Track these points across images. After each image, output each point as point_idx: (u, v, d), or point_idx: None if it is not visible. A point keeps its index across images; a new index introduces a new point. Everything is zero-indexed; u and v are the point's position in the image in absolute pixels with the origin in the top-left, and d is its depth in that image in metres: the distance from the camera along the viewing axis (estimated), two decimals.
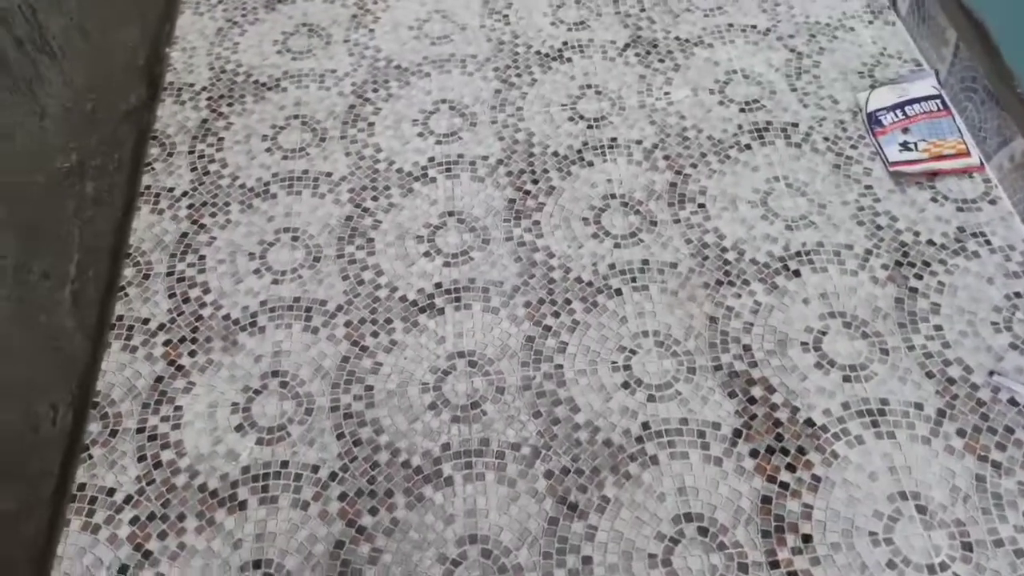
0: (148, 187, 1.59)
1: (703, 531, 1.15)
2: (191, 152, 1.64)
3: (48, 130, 1.27)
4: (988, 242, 1.40)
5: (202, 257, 1.48)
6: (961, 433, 1.21)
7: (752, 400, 1.26)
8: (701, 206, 1.50)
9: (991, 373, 1.26)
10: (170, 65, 1.80)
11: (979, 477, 1.17)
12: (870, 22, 1.74)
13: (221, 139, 1.66)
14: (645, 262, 1.43)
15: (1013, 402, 1.23)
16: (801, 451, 1.21)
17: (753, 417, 1.25)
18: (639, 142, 1.60)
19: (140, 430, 1.27)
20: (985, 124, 1.47)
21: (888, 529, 1.14)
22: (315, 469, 1.23)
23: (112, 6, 1.56)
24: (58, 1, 1.35)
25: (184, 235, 1.52)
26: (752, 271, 1.40)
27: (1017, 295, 1.34)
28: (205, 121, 1.69)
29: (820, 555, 1.12)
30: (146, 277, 1.46)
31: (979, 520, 1.13)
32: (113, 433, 1.27)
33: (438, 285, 1.42)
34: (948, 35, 1.55)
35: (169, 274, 1.46)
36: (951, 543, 1.12)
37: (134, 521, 1.19)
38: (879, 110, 1.54)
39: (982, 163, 1.48)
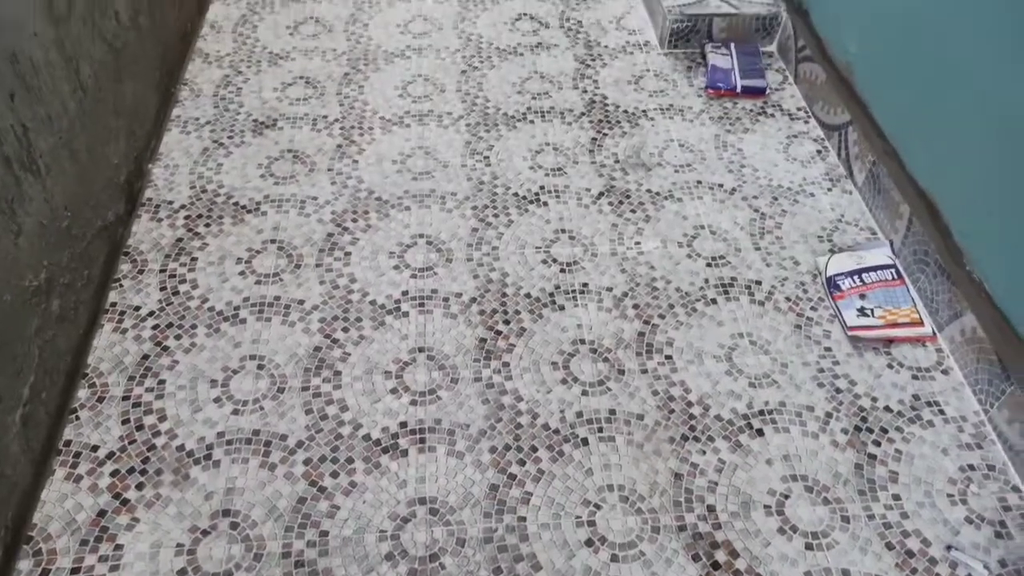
0: (114, 304, 1.57)
1: None
2: (162, 271, 1.63)
3: (22, 248, 1.26)
4: (942, 412, 1.44)
5: (162, 382, 1.45)
6: None
7: (716, 565, 1.24)
8: (668, 357, 1.52)
9: (948, 548, 1.27)
10: (151, 181, 1.81)
11: None
12: (829, 189, 1.85)
13: (195, 259, 1.66)
14: (612, 412, 1.44)
15: None
16: None
17: None
18: (610, 289, 1.64)
19: (75, 571, 1.19)
20: (937, 296, 1.54)
21: None
22: None
23: (103, 124, 1.58)
24: (51, 120, 1.37)
25: (145, 357, 1.48)
26: (717, 427, 1.42)
27: (971, 467, 1.37)
28: (180, 240, 1.69)
29: None
30: (100, 400, 1.41)
31: None
32: (45, 573, 1.19)
33: (403, 424, 1.41)
34: (902, 209, 1.65)
35: (125, 398, 1.42)
36: None
37: None
38: (838, 275, 1.61)
39: (935, 333, 1.54)
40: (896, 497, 1.33)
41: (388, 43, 2.26)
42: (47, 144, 1.36)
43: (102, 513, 1.26)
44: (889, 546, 1.27)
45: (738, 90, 2.07)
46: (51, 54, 1.38)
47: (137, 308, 1.56)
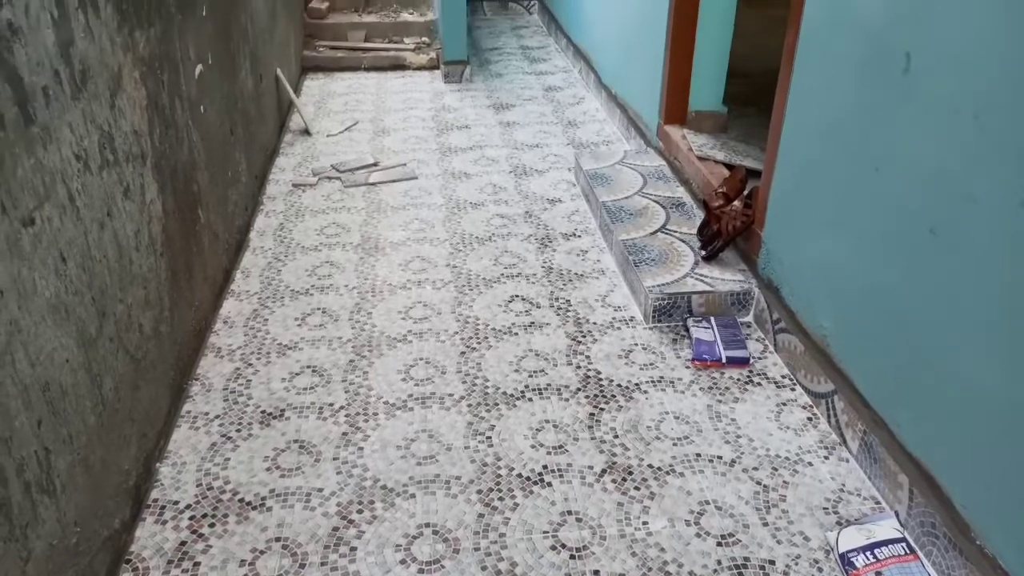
0: None
1: None
2: None
3: (29, 574, 1.24)
4: None
5: None
6: None
7: None
8: None
9: None
10: (158, 481, 1.83)
11: None
12: (826, 458, 1.89)
13: (197, 564, 1.63)
14: None
15: None
16: None
17: None
18: None
19: None
20: (953, 572, 1.52)
21: None
22: None
23: (118, 432, 1.64)
24: (71, 439, 1.42)
25: None
26: None
27: None
28: (183, 543, 1.67)
29: None
30: None
31: None
32: None
33: None
34: (900, 479, 1.68)
35: None
36: None
37: None
38: (850, 551, 1.60)
39: None
40: None
41: (390, 329, 2.41)
42: (65, 463, 1.40)
43: None
44: None
45: (723, 361, 2.19)
46: (79, 376, 1.47)
47: None
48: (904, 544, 1.61)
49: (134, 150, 1.82)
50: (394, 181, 3.44)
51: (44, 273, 1.36)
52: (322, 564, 1.63)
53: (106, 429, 1.58)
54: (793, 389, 2.13)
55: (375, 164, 3.59)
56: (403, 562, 1.64)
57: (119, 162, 1.72)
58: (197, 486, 1.82)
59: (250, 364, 2.24)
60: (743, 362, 2.20)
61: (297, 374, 2.20)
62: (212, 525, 1.72)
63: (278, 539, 1.69)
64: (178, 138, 2.16)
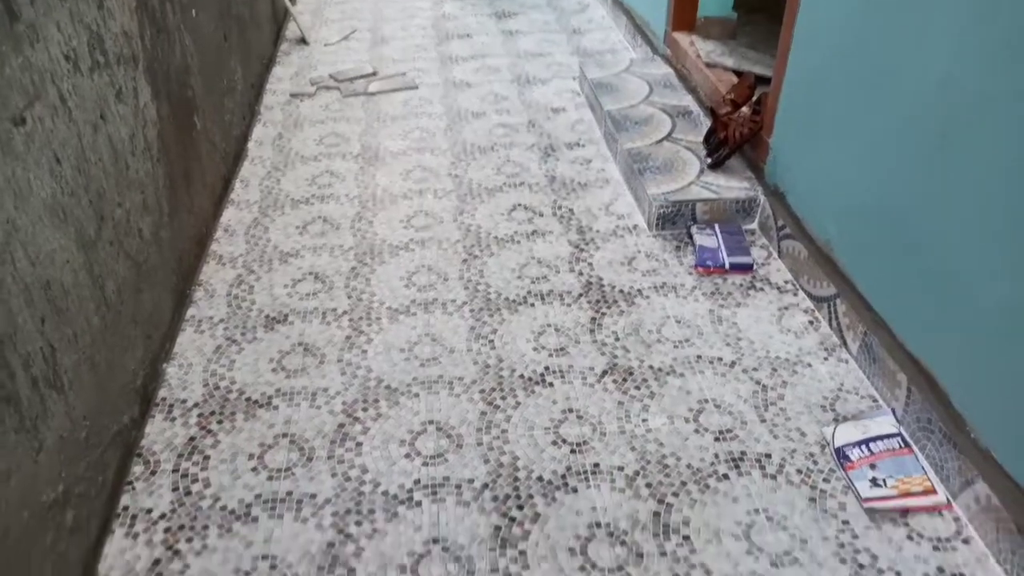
0: (126, 508, 1.56)
1: None
2: (175, 471, 1.64)
3: (42, 464, 1.28)
4: None
5: None
6: None
7: None
8: (686, 538, 1.50)
9: None
10: (165, 381, 1.86)
11: None
12: (825, 359, 1.91)
13: (207, 457, 1.67)
14: None
15: None
16: None
17: None
18: (621, 468, 1.65)
19: None
20: (946, 464, 1.55)
21: None
22: None
23: (122, 334, 1.65)
24: (75, 339, 1.43)
25: (156, 562, 1.46)
26: None
27: None
28: (193, 439, 1.71)
29: None
30: None
31: None
32: None
33: None
34: (899, 377, 1.70)
35: None
36: None
37: None
38: (846, 445, 1.63)
39: (949, 501, 1.54)
40: None
41: (392, 237, 2.40)
42: (71, 360, 1.41)
43: None
44: None
45: (727, 267, 2.19)
46: (80, 276, 1.47)
47: (149, 511, 1.55)
48: (899, 439, 1.64)
49: (125, 52, 1.77)
50: (394, 91, 3.36)
51: (39, 174, 1.35)
52: (329, 458, 1.67)
53: (110, 330, 1.59)
54: (795, 294, 2.13)
55: (374, 73, 3.51)
56: (408, 456, 1.68)
57: (110, 64, 1.68)
58: (204, 386, 1.85)
59: (252, 271, 2.24)
60: (746, 268, 2.19)
61: (299, 280, 2.21)
62: (220, 422, 1.76)
63: (285, 435, 1.73)
64: (170, 42, 2.11)
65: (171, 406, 1.80)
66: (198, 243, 2.24)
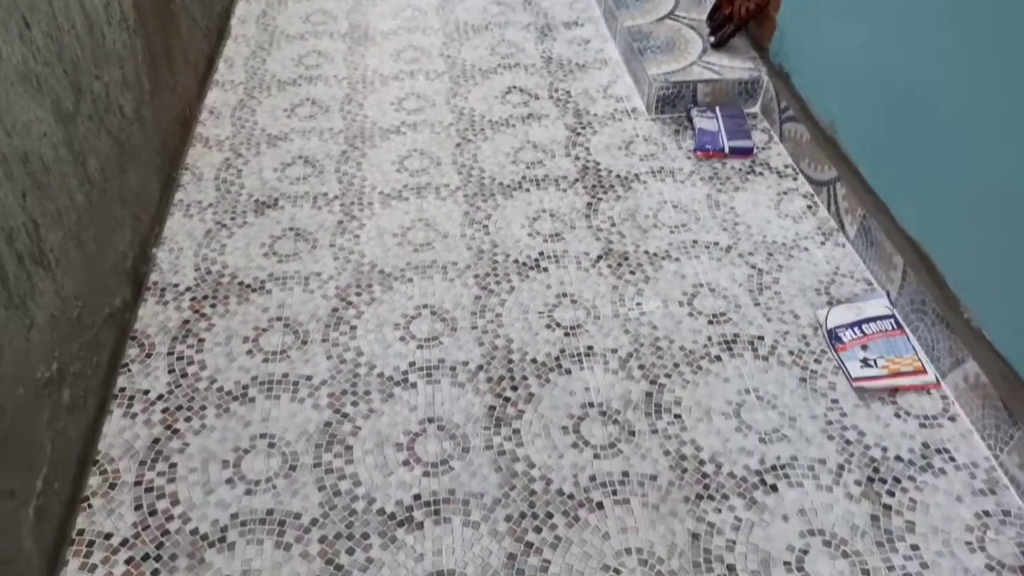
0: (123, 389, 1.57)
1: None
2: (170, 353, 1.64)
3: (34, 342, 1.27)
4: (953, 459, 1.45)
5: (173, 465, 1.44)
6: None
7: None
8: (677, 416, 1.53)
9: None
10: (156, 265, 1.84)
11: None
12: (822, 243, 1.89)
13: (202, 340, 1.67)
14: (625, 474, 1.44)
15: None
16: None
17: None
18: (614, 351, 1.66)
19: None
20: (937, 344, 1.57)
21: None
22: None
23: (109, 213, 1.62)
24: (60, 215, 1.40)
25: (156, 441, 1.48)
26: (731, 485, 1.42)
27: (986, 514, 1.37)
28: (187, 322, 1.71)
29: None
30: (112, 487, 1.40)
31: None
32: None
33: (417, 497, 1.40)
34: (895, 260, 1.69)
35: (137, 483, 1.41)
36: None
37: None
38: (839, 327, 1.64)
39: (938, 380, 1.56)
40: (915, 547, 1.32)
41: (383, 120, 2.33)
42: (57, 238, 1.38)
43: None
44: None
45: (726, 151, 2.14)
46: (60, 151, 1.42)
47: (146, 392, 1.57)
48: (892, 320, 1.64)
49: None
50: None
51: (8, 37, 1.28)
52: (323, 341, 1.68)
53: (96, 209, 1.55)
54: (795, 179, 2.09)
55: None
56: (402, 339, 1.68)
57: None
58: (196, 270, 1.83)
59: (240, 154, 2.18)
60: (746, 152, 2.14)
61: (289, 164, 2.15)
62: (213, 305, 1.75)
63: (279, 318, 1.73)
64: None
65: (163, 290, 1.78)
66: (183, 125, 2.17)
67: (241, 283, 1.80)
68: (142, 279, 1.78)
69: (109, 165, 1.64)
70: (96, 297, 1.53)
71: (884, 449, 1.47)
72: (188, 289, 1.79)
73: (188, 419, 1.52)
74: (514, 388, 1.59)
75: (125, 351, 1.64)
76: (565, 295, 1.79)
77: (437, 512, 1.38)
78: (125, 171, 1.72)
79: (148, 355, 1.64)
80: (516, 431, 1.51)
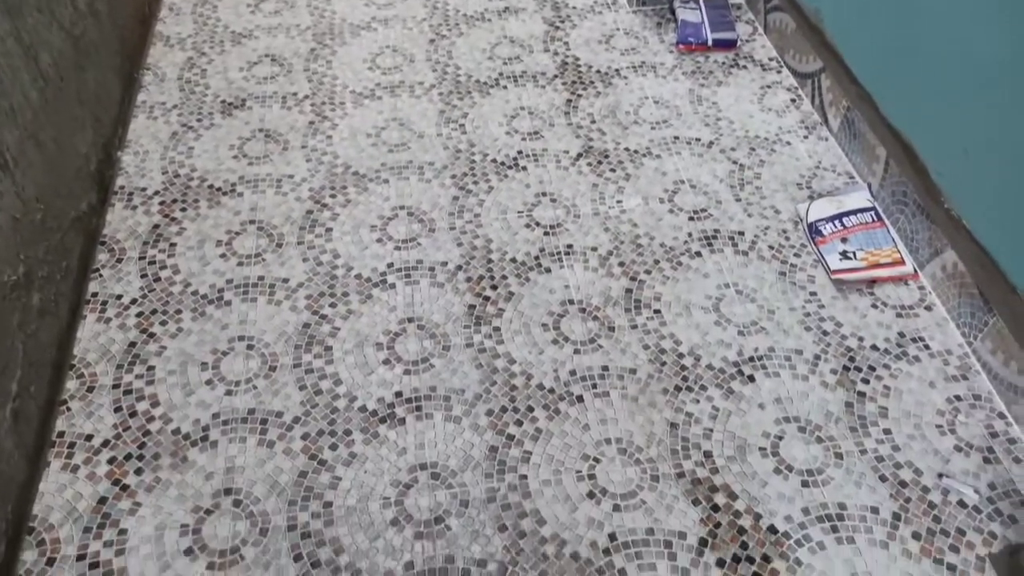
0: (95, 294, 1.54)
1: None
2: (141, 258, 1.61)
3: None
4: (927, 347, 1.47)
5: (151, 368, 1.43)
6: (916, 536, 1.24)
7: (716, 508, 1.27)
8: (657, 312, 1.53)
9: (940, 476, 1.30)
10: (122, 169, 1.78)
11: None
12: (805, 137, 1.86)
13: (173, 245, 1.64)
14: (605, 368, 1.45)
15: (962, 503, 1.27)
16: (766, 559, 1.21)
17: (718, 525, 1.25)
18: (594, 249, 1.64)
19: (81, 557, 1.19)
20: (917, 235, 1.56)
21: None
22: None
23: (67, 113, 1.55)
24: (14, 114, 1.33)
25: (132, 344, 1.47)
26: (709, 376, 1.43)
27: (957, 398, 1.40)
28: (157, 226, 1.67)
29: None
30: (90, 390, 1.40)
31: None
32: (51, 561, 1.18)
33: (398, 394, 1.41)
34: (878, 152, 1.67)
35: (115, 386, 1.40)
36: None
37: None
38: (819, 220, 1.63)
39: (916, 271, 1.57)
40: (887, 431, 1.36)
41: (353, 16, 2.22)
42: (12, 137, 1.32)
43: (103, 500, 1.25)
44: (883, 478, 1.30)
45: (709, 44, 2.07)
46: (8, 44, 1.35)
47: (119, 297, 1.54)
48: (872, 212, 1.64)
49: None
50: None
51: None
52: (299, 243, 1.65)
53: (52, 108, 1.48)
54: (779, 71, 2.04)
55: None
56: (379, 241, 1.66)
57: None
58: (163, 173, 1.78)
59: (203, 53, 2.09)
60: (730, 44, 2.08)
61: (255, 63, 2.06)
62: (184, 209, 1.71)
63: (252, 221, 1.69)
64: None
65: (130, 194, 1.73)
66: (141, 22, 2.06)
67: (211, 186, 1.75)
68: (108, 183, 1.73)
69: (64, 62, 1.55)
70: (60, 200, 1.48)
71: (860, 339, 1.48)
72: (156, 193, 1.74)
73: (164, 323, 1.50)
74: (494, 287, 1.58)
75: (95, 256, 1.61)
76: (544, 194, 1.76)
77: (419, 408, 1.39)
78: (83, 69, 1.64)
79: (119, 260, 1.60)
80: (496, 329, 1.51)
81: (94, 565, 1.18)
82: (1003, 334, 1.36)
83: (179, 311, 1.52)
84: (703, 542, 1.23)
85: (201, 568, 1.19)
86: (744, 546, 1.23)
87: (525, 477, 1.30)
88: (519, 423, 1.37)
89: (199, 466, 1.30)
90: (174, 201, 1.72)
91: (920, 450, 1.33)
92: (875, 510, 1.26)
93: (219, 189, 1.75)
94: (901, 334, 1.49)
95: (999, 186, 1.35)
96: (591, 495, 1.28)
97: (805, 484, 1.29)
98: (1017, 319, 1.32)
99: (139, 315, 1.51)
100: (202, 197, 1.73)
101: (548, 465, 1.32)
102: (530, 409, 1.39)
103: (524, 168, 1.81)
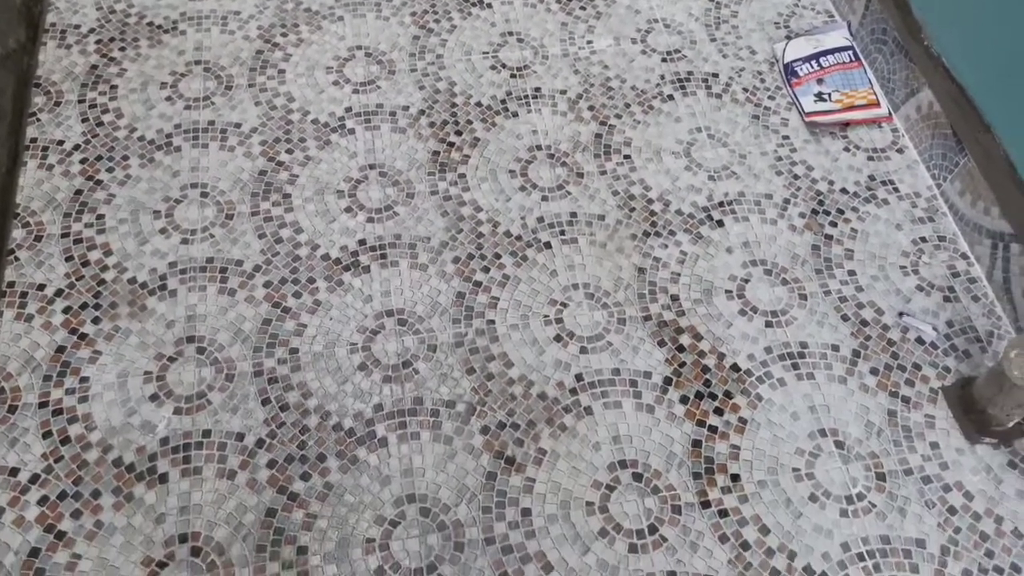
0: (34, 140, 1.45)
1: (638, 477, 1.17)
2: (81, 101, 1.50)
3: None
4: (896, 189, 1.46)
5: (100, 216, 1.37)
6: (874, 372, 1.27)
7: (681, 348, 1.28)
8: (627, 157, 1.49)
9: (900, 314, 1.32)
10: (52, 5, 1.63)
11: (891, 412, 1.24)
12: None
13: (114, 87, 1.53)
14: (573, 215, 1.42)
15: (920, 340, 1.30)
16: (728, 395, 1.25)
17: (682, 365, 1.27)
18: (563, 92, 1.57)
19: (43, 404, 1.18)
20: (894, 75, 1.52)
21: (809, 465, 1.19)
22: (240, 437, 1.17)
23: None
24: None
25: (78, 192, 1.40)
26: (678, 222, 1.42)
27: (923, 240, 1.41)
28: (95, 67, 1.55)
29: (748, 493, 1.16)
30: (38, 239, 1.34)
31: (891, 452, 1.20)
32: (12, 409, 1.17)
33: (362, 242, 1.37)
34: None
35: (64, 235, 1.34)
36: (866, 475, 1.18)
37: (43, 502, 1.11)
38: (795, 61, 1.57)
39: (890, 113, 1.53)
40: (851, 273, 1.37)
41: None
42: None
43: (61, 349, 1.23)
44: (844, 318, 1.32)
45: None
46: None
47: (60, 142, 1.45)
48: (850, 52, 1.58)
49: None
50: None
51: None
52: (250, 86, 1.55)
53: None
54: None
55: None
56: (336, 83, 1.56)
57: None
58: (98, 9, 1.63)
59: None
60: None
61: None
62: (123, 49, 1.58)
63: (198, 62, 1.58)
64: None
65: (63, 32, 1.60)
66: None
67: (151, 24, 1.62)
68: (37, 20, 1.59)
69: None
70: None
71: (831, 183, 1.47)
72: (92, 31, 1.60)
73: (111, 170, 1.42)
74: (458, 133, 1.51)
75: (30, 99, 1.50)
76: (511, 34, 1.66)
77: (383, 256, 1.36)
78: None
79: (57, 103, 1.50)
80: (462, 175, 1.46)
81: (57, 412, 1.17)
82: (973, 174, 1.35)
83: (126, 157, 1.44)
84: (668, 380, 1.26)
85: (168, 413, 1.18)
86: (707, 383, 1.26)
87: (493, 322, 1.30)
88: (486, 270, 1.35)
89: (159, 315, 1.27)
90: (111, 40, 1.59)
91: (883, 290, 1.35)
92: (835, 348, 1.29)
93: (160, 27, 1.62)
94: (872, 177, 1.47)
95: (981, 18, 1.30)
96: (558, 338, 1.29)
97: (769, 324, 1.31)
98: (989, 157, 1.31)
99: (83, 161, 1.43)
100: (142, 35, 1.60)
101: (516, 310, 1.31)
102: (497, 256, 1.37)
103: (489, 5, 1.70)
